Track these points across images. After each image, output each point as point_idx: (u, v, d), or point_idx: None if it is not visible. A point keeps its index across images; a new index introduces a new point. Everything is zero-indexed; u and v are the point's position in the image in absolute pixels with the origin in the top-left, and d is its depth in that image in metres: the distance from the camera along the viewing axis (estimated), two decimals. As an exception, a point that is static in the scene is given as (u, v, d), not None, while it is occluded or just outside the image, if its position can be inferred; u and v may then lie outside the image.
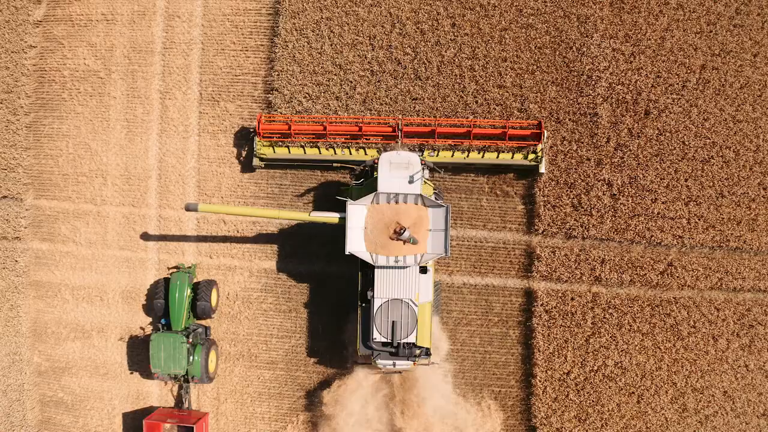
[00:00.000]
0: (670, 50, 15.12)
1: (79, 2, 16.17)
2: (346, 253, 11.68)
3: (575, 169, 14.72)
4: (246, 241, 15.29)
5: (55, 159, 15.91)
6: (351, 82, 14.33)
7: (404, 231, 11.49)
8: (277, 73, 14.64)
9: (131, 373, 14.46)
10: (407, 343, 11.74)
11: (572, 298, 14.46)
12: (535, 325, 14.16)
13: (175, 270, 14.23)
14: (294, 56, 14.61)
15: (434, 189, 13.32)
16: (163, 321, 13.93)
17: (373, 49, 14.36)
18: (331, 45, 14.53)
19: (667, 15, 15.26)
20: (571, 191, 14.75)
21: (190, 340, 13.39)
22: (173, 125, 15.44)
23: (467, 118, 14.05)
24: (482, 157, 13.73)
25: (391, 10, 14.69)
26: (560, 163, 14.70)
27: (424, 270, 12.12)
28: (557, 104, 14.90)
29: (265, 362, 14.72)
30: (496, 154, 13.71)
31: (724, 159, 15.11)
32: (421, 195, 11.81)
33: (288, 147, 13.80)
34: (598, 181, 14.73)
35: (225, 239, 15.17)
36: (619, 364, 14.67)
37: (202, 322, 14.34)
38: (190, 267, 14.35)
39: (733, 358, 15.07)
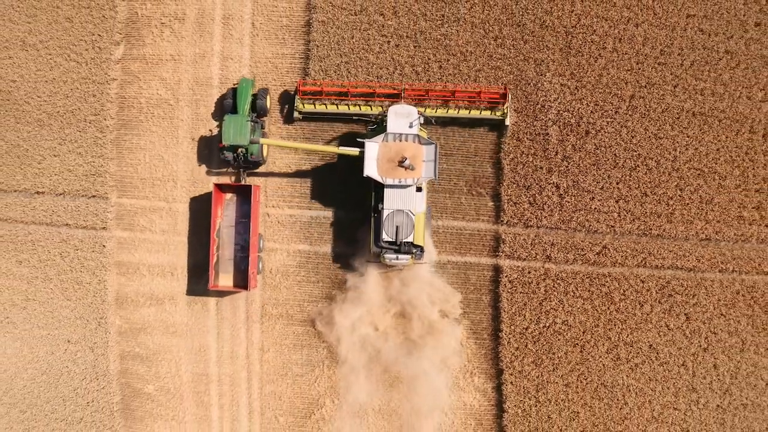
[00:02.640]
0: (606, 84, 23.05)
1: (151, 45, 24.43)
2: (364, 175, 19.49)
3: (531, 175, 22.68)
4: (282, 227, 23.57)
5: (134, 167, 24.08)
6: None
7: (406, 160, 19.40)
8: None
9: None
10: (407, 242, 19.45)
11: (529, 272, 22.12)
12: (502, 292, 21.96)
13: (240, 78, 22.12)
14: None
15: (427, 134, 21.14)
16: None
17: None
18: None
19: (604, 57, 23.18)
20: (528, 192, 22.70)
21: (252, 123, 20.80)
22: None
23: (454, 83, 21.79)
24: (469, 113, 21.41)
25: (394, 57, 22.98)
26: (520, 171, 22.60)
27: (419, 189, 20.03)
28: (518, 126, 22.98)
29: (299, 321, 22.67)
30: (470, 110, 21.23)
31: (647, 167, 23.03)
32: (418, 135, 19.76)
33: (319, 104, 21.61)
34: (549, 184, 22.68)
35: (269, 228, 23.50)
36: (566, 322, 22.52)
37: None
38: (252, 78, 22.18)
39: (656, 320, 22.87)
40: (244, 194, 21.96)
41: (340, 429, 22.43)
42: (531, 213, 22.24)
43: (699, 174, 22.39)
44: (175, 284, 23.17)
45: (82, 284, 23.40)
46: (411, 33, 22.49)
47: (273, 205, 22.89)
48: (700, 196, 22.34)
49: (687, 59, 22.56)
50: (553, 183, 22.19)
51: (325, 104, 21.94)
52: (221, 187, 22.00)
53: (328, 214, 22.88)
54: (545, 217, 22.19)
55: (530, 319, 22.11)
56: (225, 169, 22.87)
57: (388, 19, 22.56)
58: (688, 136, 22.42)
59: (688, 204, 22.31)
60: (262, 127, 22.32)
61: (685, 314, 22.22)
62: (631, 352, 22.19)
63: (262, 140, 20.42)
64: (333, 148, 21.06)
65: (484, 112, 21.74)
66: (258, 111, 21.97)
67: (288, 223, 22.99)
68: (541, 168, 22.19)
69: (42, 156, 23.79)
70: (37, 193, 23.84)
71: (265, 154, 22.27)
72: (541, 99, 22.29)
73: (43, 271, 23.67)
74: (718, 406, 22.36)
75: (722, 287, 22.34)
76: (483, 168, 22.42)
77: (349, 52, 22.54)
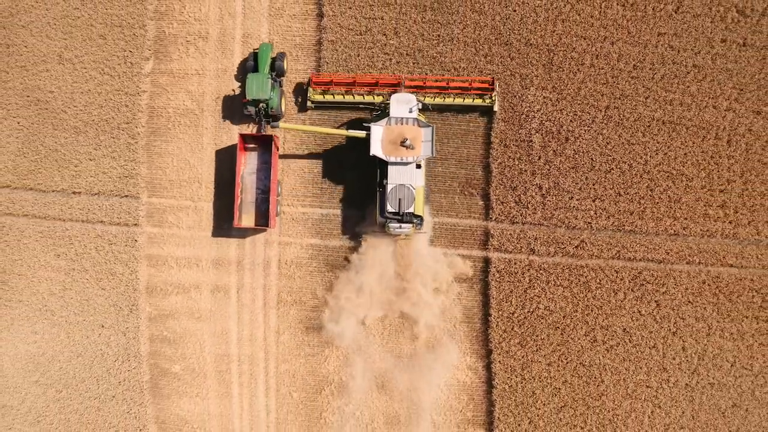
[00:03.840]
0: (584, 96, 27.83)
1: (178, 60, 29.35)
2: (370, 155, 24.06)
3: (517, 177, 27.44)
4: (296, 224, 28.41)
5: (163, 170, 28.90)
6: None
7: (406, 141, 23.98)
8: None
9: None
10: (408, 213, 23.82)
11: (515, 263, 26.78)
12: (491, 281, 26.36)
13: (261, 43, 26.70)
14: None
15: (425, 118, 25.66)
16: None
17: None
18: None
19: (582, 72, 27.97)
20: (514, 192, 27.47)
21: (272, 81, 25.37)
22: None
23: (447, 75, 26.35)
24: (463, 101, 25.90)
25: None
26: (507, 173, 27.40)
27: (418, 166, 24.50)
28: (505, 134, 27.75)
29: (310, 306, 27.23)
30: (463, 98, 25.82)
31: (621, 170, 27.76)
32: (417, 119, 24.38)
33: (330, 94, 26.27)
34: (533, 186, 27.44)
35: (283, 223, 28.26)
36: (547, 308, 27.23)
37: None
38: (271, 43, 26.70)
39: (629, 306, 27.56)
40: (265, 144, 26.64)
41: (346, 404, 27.35)
42: (517, 211, 26.99)
43: (668, 176, 27.14)
44: (199, 274, 27.97)
45: (115, 275, 28.26)
46: (410, 51, 27.37)
47: (288, 204, 27.60)
48: (669, 195, 27.07)
49: (658, 73, 27.33)
50: (537, 184, 26.95)
51: (332, 94, 26.62)
52: (244, 137, 26.52)
53: (336, 211, 27.66)
54: (529, 214, 26.94)
55: (516, 305, 26.84)
56: (247, 124, 27.47)
57: (390, 38, 27.45)
58: (658, 142, 27.18)
59: (657, 203, 27.06)
60: (280, 85, 26.99)
61: (655, 301, 26.92)
62: (606, 335, 26.89)
63: (282, 125, 25.12)
64: (343, 131, 25.79)
65: (476, 100, 26.36)
66: (276, 71, 26.61)
67: (301, 220, 27.79)
68: (526, 171, 26.95)
69: (78, 160, 28.71)
70: (74, 193, 28.72)
71: (283, 108, 26.85)
72: (526, 109, 27.11)
73: (79, 263, 28.53)
74: (686, 384, 27.03)
75: (689, 277, 27.02)
76: (474, 171, 27.15)
77: (355, 68, 27.37)
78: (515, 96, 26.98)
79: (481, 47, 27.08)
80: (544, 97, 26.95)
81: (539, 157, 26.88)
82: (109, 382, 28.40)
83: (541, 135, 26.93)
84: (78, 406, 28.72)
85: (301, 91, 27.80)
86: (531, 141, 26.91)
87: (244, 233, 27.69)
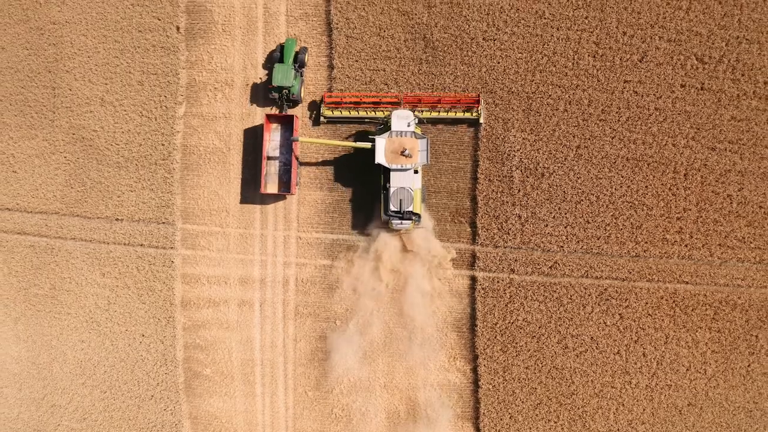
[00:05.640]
0: (558, 137, 36.00)
1: (207, 105, 37.86)
2: (375, 162, 31.66)
3: (499, 208, 35.74)
4: (311, 247, 37.05)
5: (195, 200, 37.40)
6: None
7: (405, 150, 31.54)
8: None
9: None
10: (408, 211, 31.11)
11: (498, 281, 35.15)
12: (477, 296, 33.81)
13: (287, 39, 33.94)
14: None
15: (421, 131, 32.88)
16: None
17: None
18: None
19: (556, 115, 36.18)
20: (497, 220, 35.85)
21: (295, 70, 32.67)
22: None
23: (440, 92, 33.62)
24: (454, 114, 33.34)
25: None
26: (491, 204, 35.79)
27: (416, 172, 32.01)
28: (489, 171, 36.25)
29: (323, 318, 35.55)
30: (455, 112, 33.35)
31: (589, 201, 35.92)
32: (414, 132, 31.89)
33: (339, 110, 33.74)
34: (513, 215, 35.65)
35: (300, 247, 36.96)
36: (525, 319, 35.51)
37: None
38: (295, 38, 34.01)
39: (596, 318, 35.84)
40: (286, 124, 34.28)
41: (353, 401, 36.03)
42: (499, 236, 35.36)
43: (631, 206, 35.38)
44: (227, 291, 36.57)
45: (154, 291, 36.98)
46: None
47: (303, 230, 36.13)
48: (632, 222, 35.30)
49: (623, 116, 35.41)
50: (516, 214, 35.27)
51: (340, 111, 34.18)
52: (269, 117, 34.12)
53: (345, 237, 36.44)
54: (510, 239, 35.29)
55: (498, 317, 35.28)
56: (270, 107, 35.10)
57: (390, 87, 35.73)
58: (622, 177, 35.34)
59: (621, 229, 35.34)
60: (302, 75, 34.43)
61: (619, 314, 35.16)
62: (576, 343, 35.30)
63: (301, 138, 32.81)
64: (352, 143, 33.48)
65: (466, 113, 34.40)
66: (299, 63, 34.16)
67: (315, 244, 36.35)
68: (507, 202, 35.32)
69: (121, 191, 37.38)
70: (117, 219, 37.39)
71: (302, 94, 34.39)
72: (507, 149, 35.50)
73: (122, 281, 37.27)
74: (647, 385, 35.33)
75: (649, 293, 35.22)
76: (463, 202, 35.20)
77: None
78: (498, 138, 35.40)
79: (469, 95, 35.61)
80: (524, 138, 35.36)
81: (519, 191, 35.27)
82: (149, 383, 37.12)
83: (521, 171, 35.37)
84: (121, 404, 37.49)
85: (314, 106, 35.47)
86: (512, 176, 35.36)
87: (265, 252, 36.35)
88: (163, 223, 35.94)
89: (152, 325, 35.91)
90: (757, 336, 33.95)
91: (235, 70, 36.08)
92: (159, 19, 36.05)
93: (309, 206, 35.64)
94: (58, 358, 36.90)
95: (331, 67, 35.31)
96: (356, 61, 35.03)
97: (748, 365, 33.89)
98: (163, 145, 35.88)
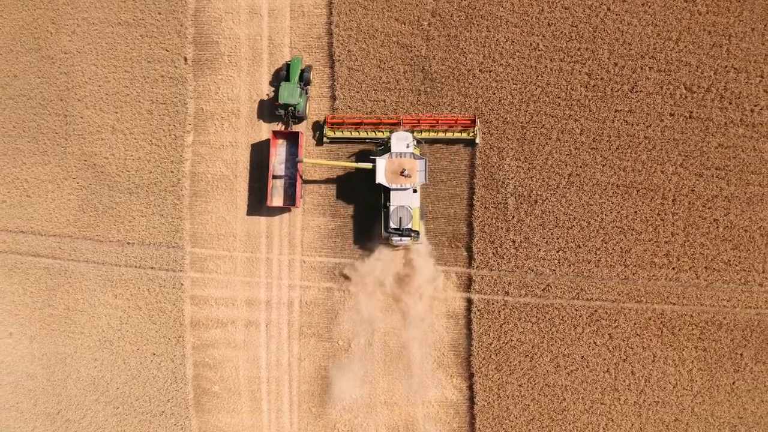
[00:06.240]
0: (551, 165, 38.27)
1: (214, 133, 40.07)
2: (376, 182, 33.75)
3: (494, 233, 38.13)
4: (314, 271, 39.36)
5: (203, 225, 39.71)
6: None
7: (405, 171, 33.69)
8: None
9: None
10: (407, 228, 33.28)
11: (493, 303, 37.64)
12: (473, 317, 36.14)
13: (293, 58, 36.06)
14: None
15: (419, 151, 35.25)
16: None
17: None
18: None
19: (549, 145, 38.33)
20: (492, 245, 38.14)
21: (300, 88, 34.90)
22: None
23: (437, 114, 35.92)
24: (452, 134, 35.56)
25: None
26: (486, 230, 38.16)
27: (415, 191, 34.18)
28: (485, 198, 38.49)
29: (327, 338, 37.66)
30: (453, 133, 35.64)
31: (580, 226, 38.27)
32: (413, 153, 34.05)
33: (341, 131, 35.95)
34: (507, 240, 38.07)
35: (304, 270, 39.27)
36: (519, 339, 37.84)
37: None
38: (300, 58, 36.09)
39: (587, 338, 38.24)
40: (291, 140, 36.39)
41: (355, 417, 38.42)
42: (494, 260, 37.71)
43: (620, 230, 37.66)
44: (234, 312, 38.97)
45: (164, 312, 39.32)
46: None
47: (307, 254, 38.51)
48: (621, 247, 37.59)
49: (614, 144, 37.63)
50: (511, 239, 37.65)
51: (342, 131, 36.27)
52: (276, 133, 36.21)
53: (347, 261, 38.80)
54: (504, 263, 37.68)
55: (493, 337, 37.67)
56: (277, 123, 37.23)
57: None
58: (612, 203, 37.59)
59: (611, 253, 37.63)
60: (306, 93, 36.55)
61: (608, 334, 37.55)
62: (567, 361, 37.67)
63: (306, 160, 34.96)
64: (353, 164, 35.61)
65: (463, 134, 36.59)
66: (304, 81, 36.24)
67: (318, 267, 38.68)
68: (502, 228, 37.67)
69: (132, 216, 39.67)
70: (128, 243, 39.70)
71: (307, 111, 36.53)
72: (502, 177, 37.78)
73: (134, 302, 39.60)
74: (635, 402, 37.66)
75: (637, 314, 37.53)
76: (459, 228, 37.55)
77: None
78: (493, 166, 37.65)
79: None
80: (518, 166, 37.60)
81: (513, 217, 37.57)
82: (159, 400, 39.53)
83: (515, 198, 37.64)
84: (132, 420, 39.90)
85: (318, 127, 37.66)
86: (506, 203, 37.62)
87: (270, 275, 38.71)
88: (173, 247, 38.18)
89: (163, 344, 38.22)
90: (741, 354, 36.15)
91: (241, 100, 38.25)
92: (167, 51, 38.24)
93: (312, 231, 37.87)
94: (72, 375, 39.28)
95: (333, 97, 37.45)
96: (357, 92, 37.19)
97: (733, 382, 36.18)
98: (172, 172, 38.09)
